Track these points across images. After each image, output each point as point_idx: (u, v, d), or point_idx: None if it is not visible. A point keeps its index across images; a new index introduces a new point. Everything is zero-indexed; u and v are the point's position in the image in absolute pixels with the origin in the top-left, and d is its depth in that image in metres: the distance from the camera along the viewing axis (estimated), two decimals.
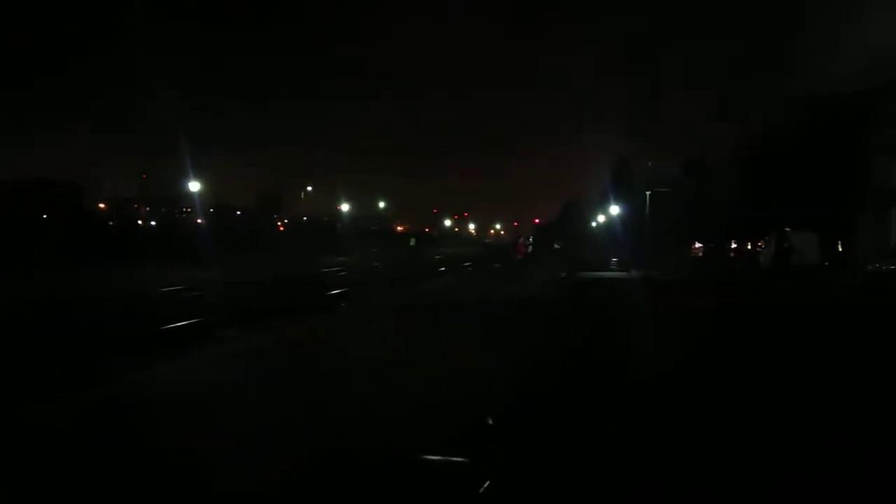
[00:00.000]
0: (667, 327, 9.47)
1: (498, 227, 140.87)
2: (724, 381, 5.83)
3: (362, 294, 15.41)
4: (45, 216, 45.51)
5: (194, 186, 43.95)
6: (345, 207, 67.52)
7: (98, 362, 6.66)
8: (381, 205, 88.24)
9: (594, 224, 61.33)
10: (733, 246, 47.48)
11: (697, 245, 51.83)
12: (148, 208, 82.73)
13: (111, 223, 55.07)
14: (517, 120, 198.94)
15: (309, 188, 69.28)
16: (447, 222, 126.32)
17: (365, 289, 16.58)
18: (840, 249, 33.05)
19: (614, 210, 46.57)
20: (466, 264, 34.01)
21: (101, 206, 75.17)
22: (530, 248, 26.68)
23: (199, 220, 51.34)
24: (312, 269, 24.90)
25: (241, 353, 7.45)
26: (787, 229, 27.69)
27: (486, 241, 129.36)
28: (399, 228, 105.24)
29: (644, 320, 10.35)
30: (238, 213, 70.25)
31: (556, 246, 51.22)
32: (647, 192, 41.53)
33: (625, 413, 4.66)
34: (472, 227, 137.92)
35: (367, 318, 10.97)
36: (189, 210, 62.84)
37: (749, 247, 42.21)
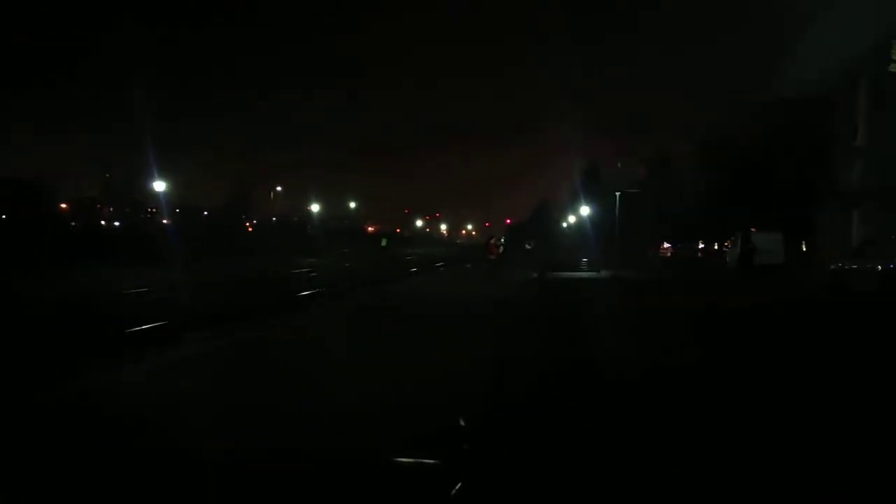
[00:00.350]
0: (642, 327, 9.57)
1: (470, 227, 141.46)
2: (703, 381, 5.91)
3: (334, 295, 15.30)
4: (3, 216, 44.15)
5: (159, 186, 43.18)
6: (315, 208, 67.08)
7: (59, 365, 6.48)
8: (352, 205, 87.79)
9: (565, 224, 61.90)
10: (701, 246, 48.33)
11: (666, 245, 52.64)
12: (112, 208, 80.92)
13: (73, 223, 53.73)
14: (489, 120, 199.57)
15: (279, 188, 68.47)
16: (419, 223, 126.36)
17: (336, 290, 16.46)
18: (804, 249, 33.88)
19: (585, 211, 47.08)
20: (438, 265, 33.99)
21: (63, 206, 73.32)
22: (502, 249, 26.73)
23: (164, 221, 50.44)
24: (282, 270, 24.64)
25: (211, 355, 7.35)
26: (753, 229, 28.30)
27: (458, 241, 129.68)
28: (370, 229, 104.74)
29: (618, 320, 10.45)
30: (205, 213, 69.08)
31: (528, 246, 51.48)
32: (617, 193, 42.13)
33: (605, 413, 4.69)
34: (443, 227, 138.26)
35: (340, 318, 10.88)
36: (154, 210, 61.60)
37: (716, 247, 42.98)
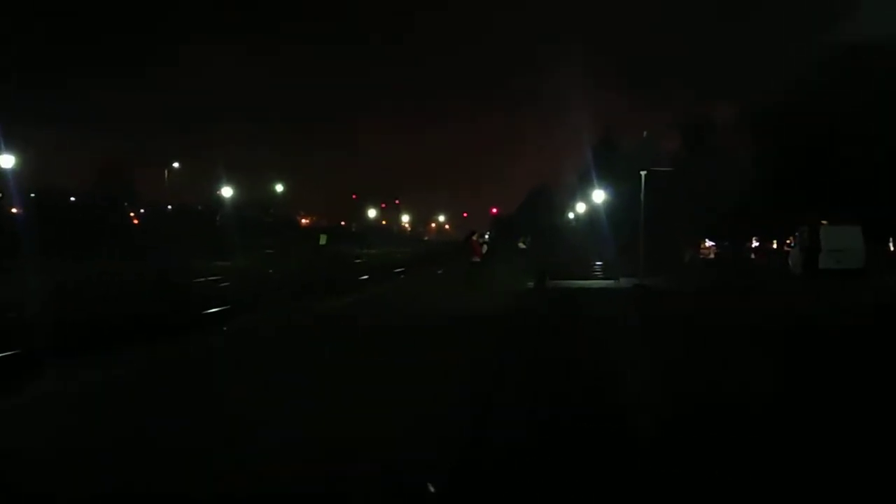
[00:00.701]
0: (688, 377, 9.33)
1: (441, 219, 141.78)
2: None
3: (248, 314, 15.24)
4: None
5: (6, 162, 42.07)
6: (227, 192, 66.22)
7: None
8: (279, 188, 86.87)
9: (572, 216, 62.30)
10: (755, 244, 49.10)
11: (708, 244, 53.35)
12: None
13: None
14: (465, 76, 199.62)
15: (175, 164, 66.86)
16: (371, 212, 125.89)
17: (252, 309, 16.37)
18: (892, 249, 34.57)
19: (598, 196, 47.32)
20: (398, 270, 33.96)
21: None
22: (485, 248, 26.77)
23: (13, 210, 49.40)
24: (178, 278, 24.40)
25: (86, 393, 7.37)
26: (823, 223, 28.79)
27: (426, 237, 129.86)
28: (304, 221, 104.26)
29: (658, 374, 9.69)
30: (73, 199, 67.75)
31: (522, 245, 51.77)
32: (642, 173, 42.18)
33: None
34: (405, 218, 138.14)
35: (249, 355, 10.72)
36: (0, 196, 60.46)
37: (774, 245, 43.71)
